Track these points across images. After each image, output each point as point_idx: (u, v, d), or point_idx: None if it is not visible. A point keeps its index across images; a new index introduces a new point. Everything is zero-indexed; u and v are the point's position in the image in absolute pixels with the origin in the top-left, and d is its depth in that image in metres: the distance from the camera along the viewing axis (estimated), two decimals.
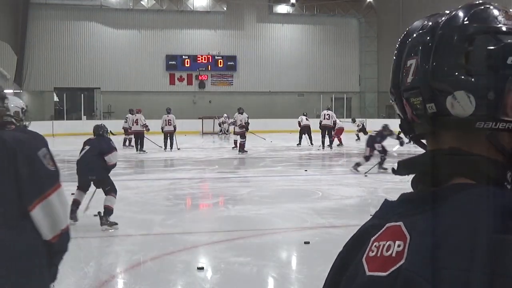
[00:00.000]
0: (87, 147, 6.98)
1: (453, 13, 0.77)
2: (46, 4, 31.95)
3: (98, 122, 30.28)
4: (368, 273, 0.72)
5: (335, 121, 19.67)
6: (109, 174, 6.92)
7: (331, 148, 19.14)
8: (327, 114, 19.30)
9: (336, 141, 20.13)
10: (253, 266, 5.11)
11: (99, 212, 6.67)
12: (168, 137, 18.83)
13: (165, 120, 18.89)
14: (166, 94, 33.06)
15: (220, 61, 34.89)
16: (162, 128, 18.88)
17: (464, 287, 0.64)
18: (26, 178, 1.91)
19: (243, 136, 17.75)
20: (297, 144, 20.23)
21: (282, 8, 35.37)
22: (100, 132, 7.22)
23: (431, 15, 0.80)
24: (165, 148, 18.65)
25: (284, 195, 9.31)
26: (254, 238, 6.32)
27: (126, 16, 33.42)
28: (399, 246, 0.70)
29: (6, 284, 1.87)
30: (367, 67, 36.78)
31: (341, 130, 20.22)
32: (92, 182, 6.93)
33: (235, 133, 18.61)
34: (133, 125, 18.67)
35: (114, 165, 6.95)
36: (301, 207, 8.15)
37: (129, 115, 20.02)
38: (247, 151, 17.63)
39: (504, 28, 0.74)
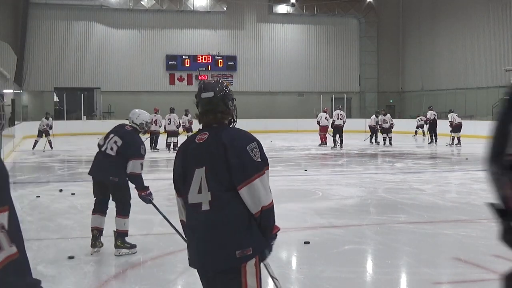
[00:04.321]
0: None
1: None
2: (46, 4, 31.93)
3: (98, 122, 30.39)
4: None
5: (345, 121, 19.96)
6: None
7: (341, 147, 19.40)
8: (340, 114, 19.57)
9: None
10: None
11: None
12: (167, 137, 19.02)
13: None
14: (166, 94, 33.04)
15: (220, 61, 34.88)
16: (165, 127, 19.00)
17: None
18: (236, 166, 2.46)
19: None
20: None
21: (282, 8, 35.36)
22: None
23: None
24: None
25: (284, 195, 9.30)
26: None
27: (126, 16, 33.41)
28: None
29: (234, 241, 2.48)
30: (367, 67, 36.78)
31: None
32: None
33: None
34: (152, 124, 18.46)
35: None
36: (301, 207, 8.15)
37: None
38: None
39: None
